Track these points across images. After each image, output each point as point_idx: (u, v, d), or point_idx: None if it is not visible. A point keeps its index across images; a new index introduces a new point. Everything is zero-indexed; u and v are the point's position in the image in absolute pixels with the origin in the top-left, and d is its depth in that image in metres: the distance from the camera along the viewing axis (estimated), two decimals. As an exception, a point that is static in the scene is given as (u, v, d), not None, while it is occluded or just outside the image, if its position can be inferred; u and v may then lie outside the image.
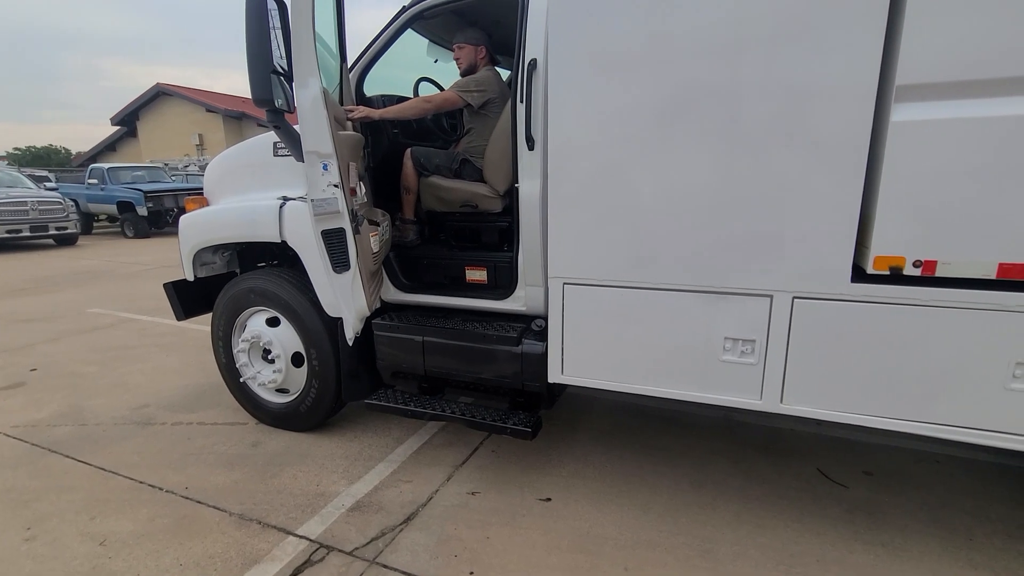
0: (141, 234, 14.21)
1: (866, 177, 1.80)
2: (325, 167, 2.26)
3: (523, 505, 2.63)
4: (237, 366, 3.33)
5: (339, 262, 2.40)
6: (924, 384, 1.88)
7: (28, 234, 12.21)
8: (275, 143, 3.09)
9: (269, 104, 2.37)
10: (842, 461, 2.97)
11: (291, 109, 2.50)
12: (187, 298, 3.60)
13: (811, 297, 1.95)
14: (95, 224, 16.39)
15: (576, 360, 2.39)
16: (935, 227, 1.74)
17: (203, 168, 20.84)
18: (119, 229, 14.93)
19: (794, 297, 1.97)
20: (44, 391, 4.09)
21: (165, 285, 3.60)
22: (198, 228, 3.30)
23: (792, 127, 1.84)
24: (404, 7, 2.81)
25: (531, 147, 2.46)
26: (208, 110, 24.33)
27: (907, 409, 1.92)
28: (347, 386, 3.04)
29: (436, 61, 3.63)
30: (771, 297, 2.00)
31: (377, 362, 3.00)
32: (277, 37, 2.37)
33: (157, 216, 14.25)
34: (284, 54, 2.42)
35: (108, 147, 28.34)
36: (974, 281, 1.75)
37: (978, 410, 1.83)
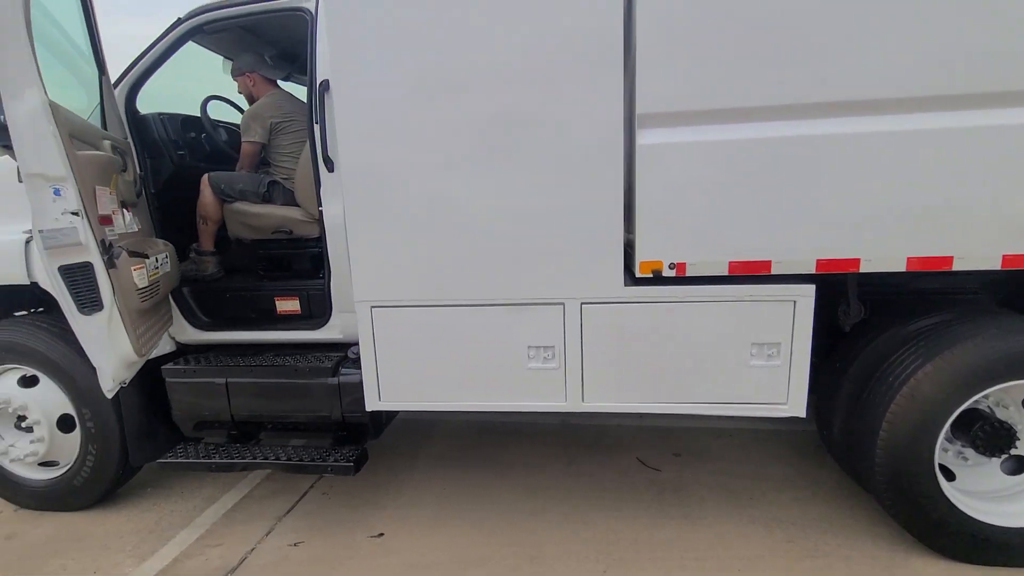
0: None
1: (627, 193, 2.03)
2: (57, 192, 1.92)
3: (351, 547, 2.46)
4: (-21, 442, 2.67)
5: (87, 302, 2.04)
6: (691, 369, 2.15)
7: None
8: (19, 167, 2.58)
9: None
10: (657, 447, 3.29)
11: None
12: None
13: (595, 302, 2.13)
14: None
15: (392, 385, 2.32)
16: (681, 234, 2.02)
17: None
18: None
19: (582, 303, 2.13)
20: None
21: None
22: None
23: (560, 151, 2.02)
24: (180, 19, 2.56)
25: (330, 168, 2.37)
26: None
27: (681, 393, 2.18)
28: (136, 447, 2.60)
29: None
30: (563, 305, 2.15)
31: (172, 414, 2.62)
32: None
33: None
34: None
35: None
36: (715, 278, 2.06)
37: (729, 387, 2.14)
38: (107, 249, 2.02)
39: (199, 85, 3.08)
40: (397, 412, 2.99)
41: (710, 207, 1.99)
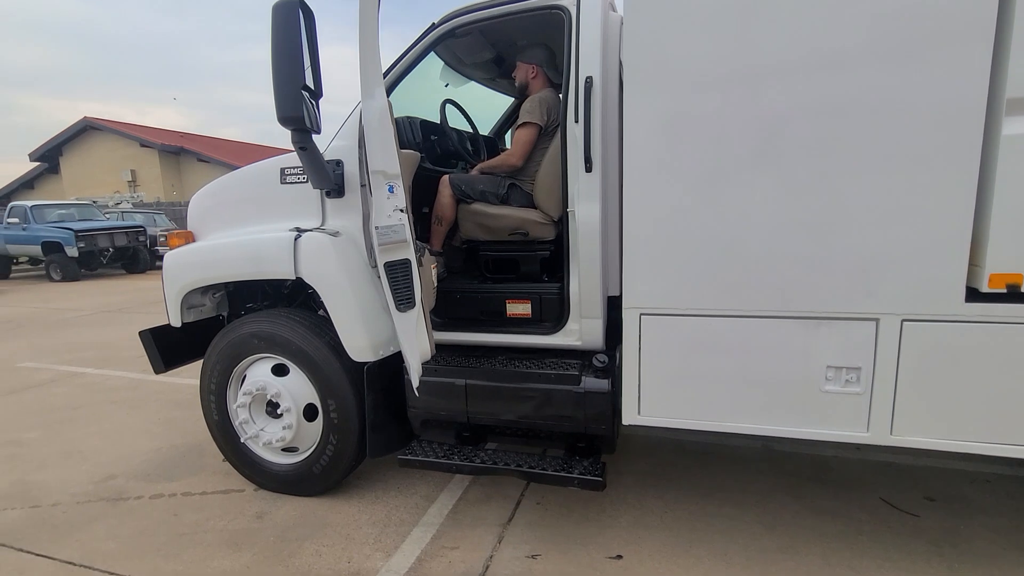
0: (70, 277, 12.91)
1: (978, 193, 1.73)
2: (391, 189, 1.97)
3: (593, 566, 2.33)
4: (235, 424, 2.87)
5: (404, 299, 2.07)
6: (1046, 406, 1.78)
7: (-66, 280, 10.79)
8: (283, 169, 2.76)
9: (299, 123, 2.08)
10: (900, 488, 2.87)
11: (316, 129, 2.21)
12: (167, 347, 3.12)
13: (922, 319, 1.83)
14: (14, 267, 14.82)
15: (656, 398, 2.17)
16: (1055, 242, 1.68)
17: (138, 205, 19.56)
18: (44, 272, 13.51)
19: (903, 320, 1.85)
20: (-24, 467, 3.40)
21: (141, 333, 3.11)
22: (190, 266, 2.87)
23: (896, 143, 1.76)
24: (434, 24, 2.61)
25: (589, 169, 2.28)
26: (143, 145, 23.13)
27: (1027, 433, 1.82)
28: (373, 440, 2.66)
29: (447, 85, 3.43)
30: (877, 321, 1.88)
31: (408, 411, 2.65)
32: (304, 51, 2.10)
33: (90, 257, 13.03)
34: (312, 70, 2.15)
35: (25, 184, 26.21)
36: (1094, 296, 1.69)
37: (1106, 431, 1.75)
38: (418, 247, 2.06)
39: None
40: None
41: (1098, 210, 1.64)
